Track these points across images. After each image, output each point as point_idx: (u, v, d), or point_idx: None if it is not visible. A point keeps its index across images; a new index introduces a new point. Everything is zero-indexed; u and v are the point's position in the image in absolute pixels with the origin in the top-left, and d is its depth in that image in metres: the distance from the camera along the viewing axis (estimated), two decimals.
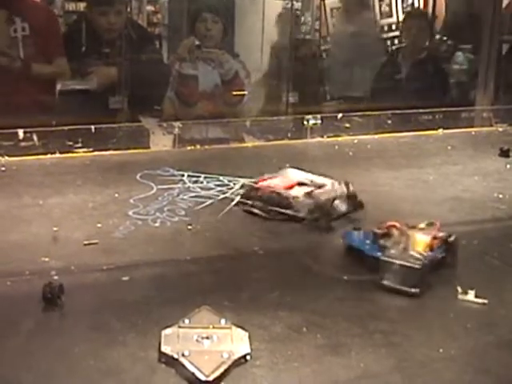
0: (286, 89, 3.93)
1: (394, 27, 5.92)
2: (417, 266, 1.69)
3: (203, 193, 2.36)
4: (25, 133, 2.77)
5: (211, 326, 1.46)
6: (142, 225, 2.09)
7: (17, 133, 2.76)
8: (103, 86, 3.64)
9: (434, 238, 1.81)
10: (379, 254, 1.75)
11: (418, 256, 1.72)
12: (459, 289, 1.70)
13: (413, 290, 1.69)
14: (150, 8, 7.11)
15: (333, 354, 1.45)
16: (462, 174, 2.74)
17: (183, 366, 1.35)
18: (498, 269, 1.92)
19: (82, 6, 6.13)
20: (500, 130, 3.57)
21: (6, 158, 2.67)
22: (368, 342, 1.50)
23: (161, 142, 3.03)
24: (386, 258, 1.72)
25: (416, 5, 6.18)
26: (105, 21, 3.67)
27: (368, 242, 1.85)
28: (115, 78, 3.62)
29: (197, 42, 3.72)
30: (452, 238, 1.86)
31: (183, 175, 2.52)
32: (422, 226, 1.90)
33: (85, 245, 1.93)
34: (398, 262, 1.71)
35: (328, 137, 3.18)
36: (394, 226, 1.84)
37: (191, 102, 3.62)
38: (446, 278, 1.80)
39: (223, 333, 1.45)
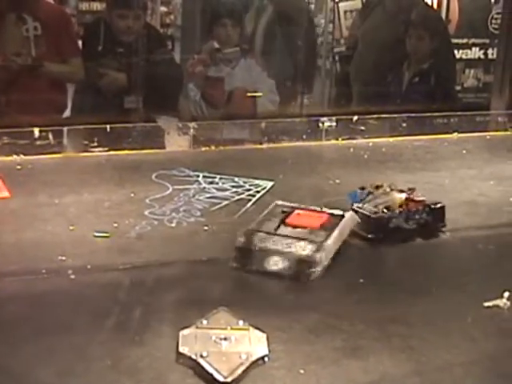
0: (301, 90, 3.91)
1: None
2: (372, 216, 1.99)
3: (219, 194, 2.36)
4: (40, 131, 2.77)
5: (229, 328, 1.46)
6: (158, 225, 2.09)
7: (32, 131, 2.76)
8: (113, 91, 3.65)
9: (409, 200, 2.07)
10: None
11: (376, 210, 2.02)
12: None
13: (369, 236, 1.99)
14: (163, 9, 7.11)
15: (351, 357, 1.44)
16: (478, 178, 2.72)
17: (201, 366, 1.35)
18: None
19: (95, 5, 6.15)
20: None
21: (22, 156, 2.67)
22: (386, 345, 1.49)
23: (176, 143, 3.03)
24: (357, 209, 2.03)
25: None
26: (123, 24, 3.68)
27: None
28: (125, 84, 3.63)
29: (216, 45, 3.73)
30: (438, 205, 2.09)
31: (199, 176, 2.51)
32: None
33: (95, 236, 1.93)
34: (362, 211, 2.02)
35: (343, 139, 3.17)
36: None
37: (219, 104, 3.63)
38: (463, 283, 1.79)
39: (241, 334, 1.44)
